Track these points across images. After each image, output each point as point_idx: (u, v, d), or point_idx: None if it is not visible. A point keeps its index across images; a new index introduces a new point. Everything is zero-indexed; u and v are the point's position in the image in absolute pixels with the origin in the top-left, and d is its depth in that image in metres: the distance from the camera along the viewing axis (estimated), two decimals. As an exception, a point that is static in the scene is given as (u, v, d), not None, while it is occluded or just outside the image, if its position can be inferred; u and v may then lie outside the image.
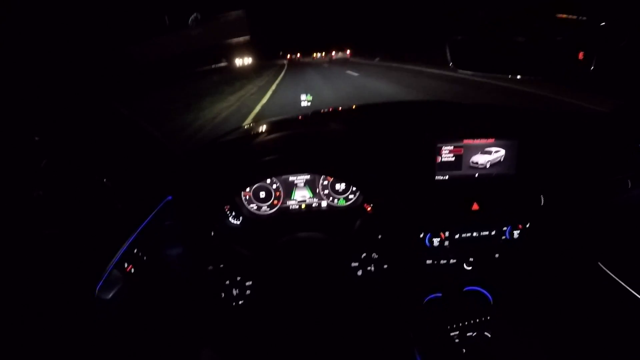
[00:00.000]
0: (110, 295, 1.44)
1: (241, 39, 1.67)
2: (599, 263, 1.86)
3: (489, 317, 2.01)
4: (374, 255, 2.03)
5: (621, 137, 1.91)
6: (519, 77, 1.66)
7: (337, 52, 53.75)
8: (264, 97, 14.48)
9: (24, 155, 1.37)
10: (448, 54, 1.56)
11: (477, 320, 2.00)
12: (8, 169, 1.32)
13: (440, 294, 2.04)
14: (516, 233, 2.01)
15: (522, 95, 10.48)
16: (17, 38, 1.16)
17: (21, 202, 1.35)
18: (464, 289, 2.06)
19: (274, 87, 18.51)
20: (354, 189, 2.15)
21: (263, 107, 12.41)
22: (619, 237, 1.87)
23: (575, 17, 1.44)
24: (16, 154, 1.34)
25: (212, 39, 1.69)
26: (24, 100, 1.31)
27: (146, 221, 1.69)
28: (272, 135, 2.09)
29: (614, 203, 1.93)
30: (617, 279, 1.76)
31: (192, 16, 1.52)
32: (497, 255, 2.04)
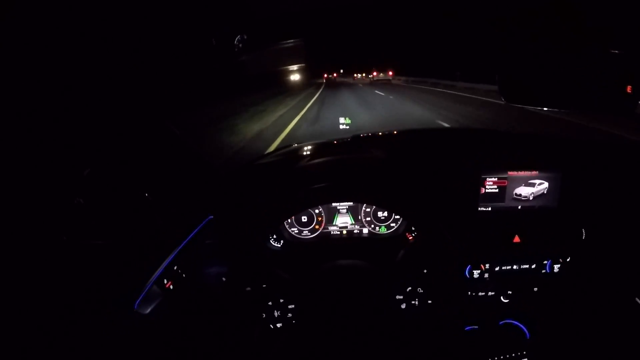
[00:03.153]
0: (149, 310, 1.46)
1: (296, 66, 1.70)
2: (637, 299, 1.81)
3: (524, 352, 1.97)
4: (419, 290, 2.02)
5: None
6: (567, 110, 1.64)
7: (378, 72, 53.12)
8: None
9: (68, 163, 1.40)
10: (498, 89, 1.56)
11: (513, 355, 1.96)
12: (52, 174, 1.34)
13: (476, 327, 2.00)
14: (556, 267, 1.98)
15: (558, 121, 10.34)
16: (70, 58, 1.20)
17: (63, 209, 1.37)
18: (500, 322, 2.02)
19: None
20: (397, 217, 2.15)
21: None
22: None
23: (623, 50, 1.41)
24: (61, 162, 1.37)
25: (265, 65, 1.72)
26: (73, 109, 1.34)
27: (187, 239, 1.71)
28: (316, 161, 2.09)
29: None
30: None
31: (238, 37, 1.54)
32: (535, 289, 2.00)
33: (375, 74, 53.39)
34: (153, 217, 1.66)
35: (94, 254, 1.40)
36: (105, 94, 1.42)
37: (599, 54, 1.44)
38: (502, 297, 2.01)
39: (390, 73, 51.61)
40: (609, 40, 1.52)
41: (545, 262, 1.97)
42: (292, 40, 1.58)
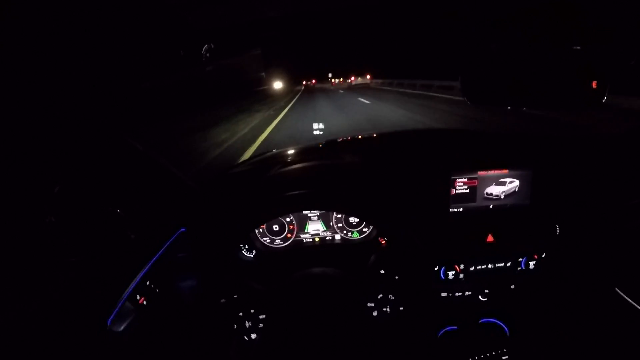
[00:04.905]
0: (122, 327, 1.44)
1: (257, 74, 1.71)
2: (616, 289, 1.83)
3: (505, 350, 1.98)
4: (391, 297, 2.01)
5: (635, 160, 1.89)
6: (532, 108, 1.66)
7: (356, 77, 53.48)
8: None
9: (39, 181, 1.38)
10: (461, 89, 1.56)
11: (494, 353, 1.97)
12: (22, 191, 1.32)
13: (455, 327, 2.01)
14: (532, 264, 1.98)
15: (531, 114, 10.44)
16: (35, 70, 1.18)
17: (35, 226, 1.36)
18: (480, 321, 2.02)
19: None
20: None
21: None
22: (635, 261, 1.84)
23: (586, 47, 1.43)
24: (31, 180, 1.35)
25: (227, 74, 1.72)
26: (41, 128, 1.32)
27: (159, 253, 1.69)
28: (286, 169, 2.08)
29: (629, 228, 1.90)
30: (634, 304, 1.73)
31: (206, 46, 1.54)
32: (512, 286, 2.01)
33: (353, 78, 53.90)
34: (125, 233, 1.65)
35: (65, 271, 1.38)
36: (67, 112, 1.41)
37: (563, 52, 1.46)
38: (479, 296, 2.00)
39: (368, 77, 52.03)
40: (572, 36, 1.54)
41: (520, 259, 1.97)
42: (254, 50, 1.59)
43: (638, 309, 1.71)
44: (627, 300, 1.77)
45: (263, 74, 1.70)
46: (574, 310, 2.00)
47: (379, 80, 49.34)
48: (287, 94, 39.61)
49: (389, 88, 37.44)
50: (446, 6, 1.66)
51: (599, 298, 1.93)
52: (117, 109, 1.65)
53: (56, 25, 1.09)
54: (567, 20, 1.51)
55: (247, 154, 9.06)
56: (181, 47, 1.50)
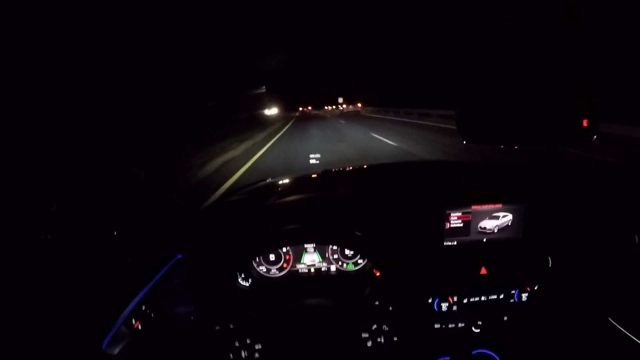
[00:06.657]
0: (117, 350, 1.44)
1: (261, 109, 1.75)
2: (610, 319, 1.84)
3: None
4: (385, 328, 2.01)
5: (628, 192, 1.92)
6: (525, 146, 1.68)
7: (348, 104, 55.09)
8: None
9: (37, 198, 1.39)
10: (457, 128, 1.59)
11: None
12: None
13: (448, 357, 2.01)
14: (525, 295, 2.00)
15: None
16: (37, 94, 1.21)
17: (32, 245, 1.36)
18: (473, 352, 2.03)
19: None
20: None
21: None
22: (628, 291, 1.86)
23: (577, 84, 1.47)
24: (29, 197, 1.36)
25: (230, 108, 1.76)
26: (41, 147, 1.34)
27: (155, 279, 1.70)
28: (284, 200, 2.11)
29: (622, 258, 1.92)
30: (628, 334, 1.75)
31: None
32: (505, 318, 2.02)
33: (344, 106, 55.86)
34: (122, 256, 1.66)
35: (62, 291, 1.38)
36: (66, 134, 1.43)
37: (554, 90, 1.50)
38: (472, 328, 2.01)
39: (359, 105, 53.74)
40: (563, 72, 1.58)
41: (513, 291, 1.99)
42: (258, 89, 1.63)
43: (632, 338, 1.73)
44: (621, 330, 1.78)
45: (266, 111, 1.75)
46: (566, 340, 2.01)
47: (369, 108, 50.55)
48: (278, 121, 39.88)
49: (393, 117, 37.33)
50: (440, 34, 1.70)
51: (592, 328, 1.94)
52: (119, 133, 1.67)
53: (65, 57, 1.13)
54: (562, 31, 1.56)
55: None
56: (186, 84, 1.53)
